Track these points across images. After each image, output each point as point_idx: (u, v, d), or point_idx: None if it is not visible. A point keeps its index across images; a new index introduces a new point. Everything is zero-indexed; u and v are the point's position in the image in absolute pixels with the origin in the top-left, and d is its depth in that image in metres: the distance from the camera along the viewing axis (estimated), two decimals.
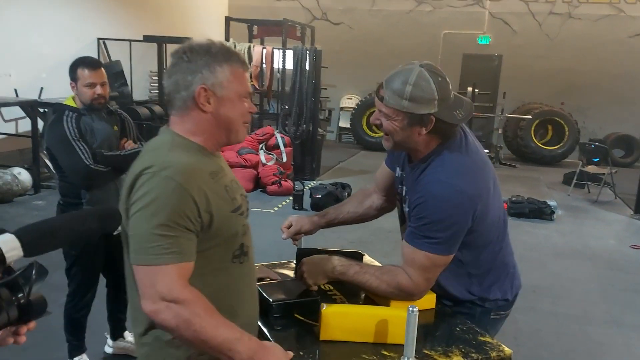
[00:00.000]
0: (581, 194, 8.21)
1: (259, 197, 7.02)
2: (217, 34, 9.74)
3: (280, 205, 6.71)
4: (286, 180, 7.14)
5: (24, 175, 6.40)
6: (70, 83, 2.67)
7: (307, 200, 6.60)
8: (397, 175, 1.97)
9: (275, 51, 8.17)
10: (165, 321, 1.32)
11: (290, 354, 1.44)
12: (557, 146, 10.72)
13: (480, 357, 1.61)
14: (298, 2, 12.38)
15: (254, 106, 1.61)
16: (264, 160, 7.36)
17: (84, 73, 2.62)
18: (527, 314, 4.03)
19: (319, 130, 8.45)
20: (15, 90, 6.99)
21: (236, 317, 1.44)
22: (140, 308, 1.35)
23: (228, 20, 9.53)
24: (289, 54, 7.98)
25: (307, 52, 7.80)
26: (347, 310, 1.69)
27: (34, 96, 6.95)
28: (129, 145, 2.84)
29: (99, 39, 8.60)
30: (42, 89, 7.22)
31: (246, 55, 7.95)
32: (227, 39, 8.83)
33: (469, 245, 1.78)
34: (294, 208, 6.55)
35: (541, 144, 10.84)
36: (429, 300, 1.88)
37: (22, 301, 0.77)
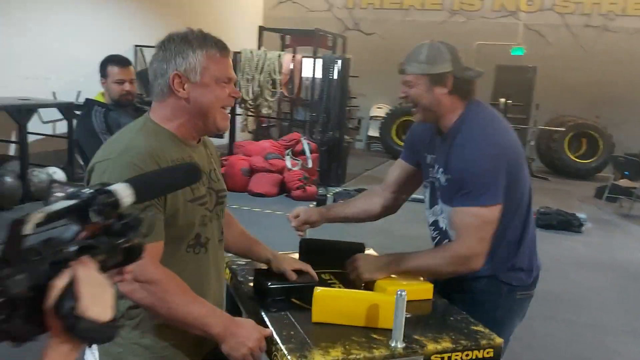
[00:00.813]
0: (613, 208, 8.03)
1: (283, 201, 7.11)
2: (250, 43, 9.93)
3: None
4: (311, 186, 7.22)
5: (58, 174, 6.63)
6: (101, 79, 2.81)
7: None
8: (427, 162, 2.02)
9: (305, 59, 8.29)
10: (141, 300, 1.39)
11: (267, 330, 1.50)
12: (591, 159, 10.51)
13: (469, 344, 1.63)
14: (331, 12, 12.53)
15: (237, 91, 1.62)
16: (289, 166, 7.46)
17: (113, 70, 2.76)
18: (544, 322, 3.99)
19: (346, 137, 8.51)
20: (54, 93, 7.27)
21: None
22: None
23: (261, 29, 9.73)
24: (319, 62, 8.08)
25: (336, 60, 7.89)
26: (338, 293, 1.73)
27: (71, 99, 7.21)
28: None
29: (135, 46, 8.89)
30: (79, 92, 7.49)
31: (276, 63, 8.09)
32: (259, 48, 9.01)
33: (506, 202, 1.82)
34: None
35: (575, 157, 10.65)
36: (426, 291, 1.90)
37: (128, 244, 0.85)
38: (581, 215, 6.94)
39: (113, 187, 0.83)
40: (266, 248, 1.92)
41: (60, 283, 0.75)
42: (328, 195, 6.72)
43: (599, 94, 10.99)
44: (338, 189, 7.25)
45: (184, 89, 1.47)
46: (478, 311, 1.85)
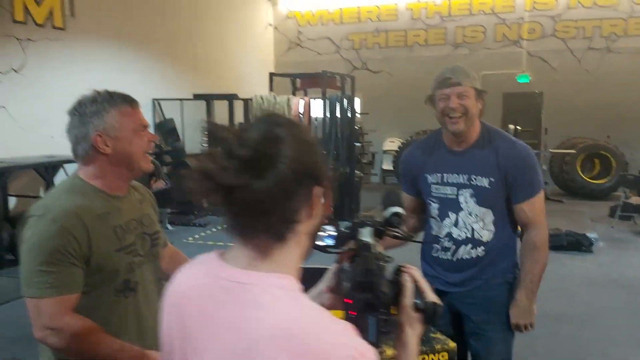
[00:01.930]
0: (627, 226, 8.06)
1: None
2: (263, 88, 10.38)
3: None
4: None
5: None
6: None
7: None
8: (430, 181, 2.26)
9: (313, 101, 8.65)
10: (54, 344, 1.53)
11: None
12: (605, 180, 10.54)
13: (425, 349, 1.84)
14: (339, 54, 13.00)
15: (154, 135, 1.77)
16: None
17: None
18: (547, 338, 4.10)
19: (357, 172, 8.76)
20: None
21: None
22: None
23: (272, 75, 10.18)
24: (325, 102, 8.43)
25: (341, 99, 8.23)
26: None
27: None
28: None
29: (154, 100, 9.39)
30: None
31: (285, 106, 8.47)
32: (270, 93, 9.42)
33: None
34: None
35: (589, 178, 10.69)
36: None
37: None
38: (592, 235, 7.01)
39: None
40: None
41: (409, 284, 1.01)
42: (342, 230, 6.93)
43: (608, 115, 11.09)
44: (348, 223, 7.45)
45: (107, 146, 1.61)
46: (500, 314, 2.18)
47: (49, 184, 6.60)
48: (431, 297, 1.02)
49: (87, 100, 1.65)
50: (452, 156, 2.20)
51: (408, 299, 1.01)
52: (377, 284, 0.98)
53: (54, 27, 7.51)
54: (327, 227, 1.23)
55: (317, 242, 1.18)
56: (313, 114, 8.76)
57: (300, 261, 0.96)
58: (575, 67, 11.38)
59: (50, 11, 7.44)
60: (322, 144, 8.61)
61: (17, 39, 7.02)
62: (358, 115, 9.68)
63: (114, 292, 1.64)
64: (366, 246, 1.07)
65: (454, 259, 2.23)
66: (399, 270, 1.04)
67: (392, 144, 12.47)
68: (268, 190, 0.87)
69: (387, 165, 12.44)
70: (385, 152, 12.59)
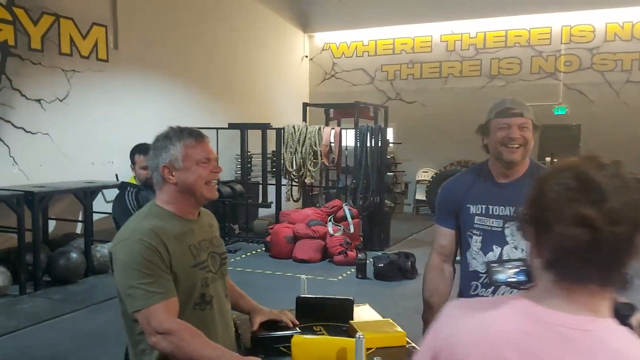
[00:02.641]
0: None
1: (326, 266, 7.38)
2: (296, 119, 10.57)
3: (344, 275, 7.02)
4: (352, 251, 7.47)
5: None
6: (131, 166, 3.31)
7: (370, 270, 6.87)
8: (474, 212, 2.20)
9: (343, 131, 8.77)
10: (164, 349, 1.70)
11: None
12: None
13: None
14: (373, 85, 13.13)
15: (219, 166, 1.94)
16: (331, 232, 7.78)
17: (139, 158, 3.25)
18: None
19: (387, 202, 8.77)
20: (116, 175, 8.01)
21: None
22: (134, 348, 1.80)
23: (305, 105, 10.37)
24: (356, 132, 8.52)
25: (372, 129, 8.31)
26: (312, 340, 2.01)
27: None
28: None
29: None
30: (122, 176, 8.23)
31: (316, 135, 8.60)
32: (303, 123, 9.60)
33: None
34: (357, 277, 6.83)
35: None
36: (400, 338, 2.14)
37: None
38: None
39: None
40: (249, 301, 2.22)
41: None
42: (368, 261, 6.95)
43: None
44: (378, 253, 7.46)
45: (172, 176, 1.83)
46: None
47: (87, 209, 6.85)
48: None
49: (161, 135, 1.88)
50: (498, 188, 2.17)
51: None
52: None
53: (98, 59, 7.88)
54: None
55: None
56: (344, 144, 8.87)
57: None
58: (613, 99, 11.18)
59: (95, 44, 7.82)
60: (352, 172, 8.68)
61: (63, 70, 7.39)
62: (390, 145, 9.72)
63: (193, 306, 1.82)
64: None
65: (495, 297, 2.11)
66: None
67: (425, 174, 12.44)
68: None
69: (420, 196, 12.39)
70: (418, 182, 12.55)
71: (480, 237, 2.19)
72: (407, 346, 2.13)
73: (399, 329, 2.17)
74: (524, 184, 2.09)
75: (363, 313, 2.49)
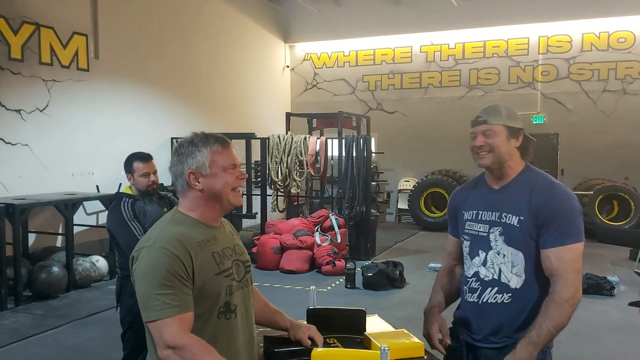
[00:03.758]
0: None
1: (314, 277, 7.32)
2: (279, 128, 10.52)
3: (333, 285, 6.97)
4: (340, 260, 7.43)
5: (101, 263, 7.06)
6: (127, 175, 3.22)
7: (359, 279, 6.83)
8: (466, 217, 2.23)
9: (329, 140, 8.75)
10: None
11: None
12: (624, 222, 10.41)
13: None
14: (355, 95, 13.18)
15: (244, 173, 1.90)
16: (318, 242, 7.72)
17: (138, 166, 3.17)
18: None
19: (372, 211, 8.76)
20: (97, 186, 7.86)
21: None
22: (154, 358, 1.71)
23: (288, 115, 10.33)
24: (341, 142, 8.51)
25: (357, 139, 8.30)
26: (332, 352, 1.96)
27: (113, 191, 7.76)
28: None
29: (172, 138, 9.54)
30: (120, 184, 8.05)
31: (302, 145, 8.56)
32: (286, 132, 9.55)
33: None
34: (346, 287, 6.78)
35: (607, 219, 10.57)
36: (418, 349, 2.10)
37: None
38: (613, 278, 6.89)
39: None
40: (285, 317, 2.15)
41: None
42: (357, 270, 6.91)
43: (625, 156, 11.05)
44: (366, 263, 7.43)
45: (198, 182, 1.79)
46: None
47: (68, 221, 6.68)
48: None
49: (186, 141, 1.84)
50: (490, 194, 2.19)
51: None
52: None
53: (79, 69, 7.73)
54: None
55: None
56: (329, 153, 8.84)
57: None
58: (590, 108, 11.41)
59: (75, 53, 7.67)
60: (337, 182, 8.65)
61: (43, 79, 7.23)
62: (373, 155, 9.74)
63: (217, 314, 1.77)
64: None
65: (480, 302, 2.15)
66: None
67: (407, 183, 12.49)
68: None
69: (403, 205, 12.43)
70: (400, 191, 12.60)
71: (469, 242, 2.21)
72: (425, 357, 2.09)
73: (416, 340, 2.13)
74: (512, 189, 2.11)
75: (374, 324, 2.44)
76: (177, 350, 1.62)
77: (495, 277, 2.11)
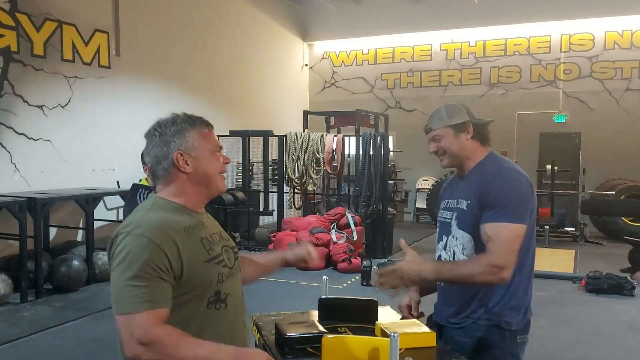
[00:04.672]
0: None
1: (330, 274, 7.31)
2: (296, 126, 10.54)
3: (349, 282, 6.96)
4: (356, 258, 7.42)
5: None
6: (143, 167, 3.24)
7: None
8: (441, 207, 2.35)
9: (347, 138, 8.73)
10: None
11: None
12: None
13: None
14: (373, 94, 13.15)
15: (227, 157, 1.80)
16: (334, 239, 7.72)
17: None
18: None
19: (390, 209, 8.73)
20: (118, 182, 7.96)
21: None
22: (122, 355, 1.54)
23: (306, 113, 10.35)
24: (359, 139, 8.49)
25: (374, 137, 8.28)
26: (343, 339, 1.95)
27: None
28: None
29: None
30: (140, 179, 8.15)
31: (319, 143, 8.56)
32: (304, 130, 9.56)
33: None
34: (362, 284, 6.77)
35: (629, 220, 10.38)
36: (430, 339, 2.09)
37: None
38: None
39: None
40: (275, 254, 2.16)
41: None
42: (374, 268, 6.89)
43: None
44: (383, 260, 7.41)
45: (188, 165, 1.66)
46: None
47: (89, 216, 6.77)
48: None
49: (166, 121, 1.71)
50: (456, 184, 2.30)
51: None
52: None
53: (100, 66, 7.84)
54: None
55: None
56: (346, 152, 8.83)
57: None
58: (613, 107, 11.22)
59: (97, 50, 7.79)
60: (354, 180, 8.64)
61: (65, 76, 7.34)
62: (391, 153, 9.70)
63: (207, 304, 1.64)
64: None
65: (441, 284, 2.26)
66: None
67: (425, 182, 12.42)
68: None
69: (421, 204, 12.36)
70: (418, 190, 12.53)
71: (438, 229, 2.34)
72: (437, 346, 2.08)
73: (428, 329, 2.12)
74: (471, 176, 2.19)
75: (386, 314, 2.43)
76: (150, 346, 1.46)
77: (451, 259, 2.21)
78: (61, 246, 7.00)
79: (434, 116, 2.23)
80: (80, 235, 7.45)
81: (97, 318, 5.53)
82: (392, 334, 1.75)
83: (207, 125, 1.74)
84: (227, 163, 1.77)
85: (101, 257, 6.88)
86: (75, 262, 6.45)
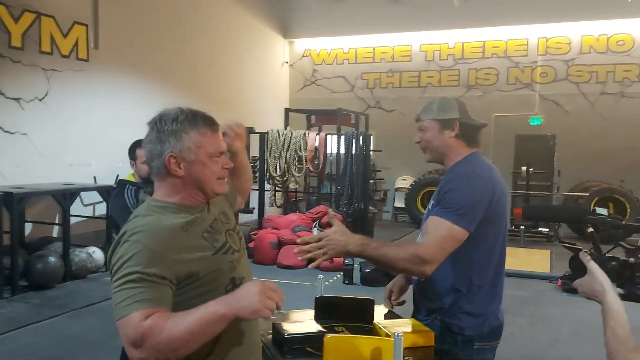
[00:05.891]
0: None
1: (312, 272, 7.28)
2: (277, 124, 10.50)
3: (331, 280, 6.96)
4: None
5: (97, 254, 7.01)
6: (130, 162, 3.19)
7: (357, 275, 6.83)
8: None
9: (328, 136, 8.74)
10: (158, 354, 1.37)
11: (268, 282, 1.48)
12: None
13: None
14: (353, 93, 13.18)
15: (229, 162, 1.69)
16: None
17: (141, 152, 3.13)
18: None
19: (371, 208, 8.77)
20: (94, 177, 7.81)
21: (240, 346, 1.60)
22: None
23: (287, 111, 10.33)
24: (341, 138, 8.50)
25: (357, 136, 8.30)
26: (345, 339, 1.95)
27: (110, 182, 7.71)
28: None
29: None
30: (117, 176, 8.01)
31: (301, 141, 8.54)
32: (285, 128, 9.53)
33: (477, 245, 2.03)
34: (344, 283, 6.78)
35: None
36: (428, 338, 2.10)
37: None
38: None
39: None
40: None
41: None
42: (355, 266, 6.91)
43: (622, 159, 11.10)
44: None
45: (180, 168, 1.55)
46: None
47: (65, 211, 6.63)
48: None
49: (168, 116, 1.60)
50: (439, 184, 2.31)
51: None
52: None
53: (78, 59, 7.68)
54: None
55: None
56: (328, 150, 8.84)
57: None
58: (588, 110, 11.46)
59: (75, 43, 7.62)
60: (336, 178, 8.65)
61: (43, 68, 7.17)
62: (370, 153, 9.74)
63: (225, 293, 1.55)
64: None
65: (417, 279, 2.25)
66: None
67: (404, 181, 12.51)
68: None
69: (399, 203, 12.44)
70: (397, 189, 12.61)
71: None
72: (435, 346, 2.08)
73: (426, 328, 2.13)
74: (445, 177, 2.16)
75: (382, 314, 2.44)
76: (142, 344, 1.36)
77: None
78: (37, 242, 6.84)
79: (426, 107, 2.22)
80: (56, 231, 7.30)
81: (74, 316, 5.43)
82: (396, 334, 1.75)
83: (211, 126, 1.62)
84: (227, 168, 1.67)
85: (78, 254, 6.75)
86: (52, 259, 6.31)
